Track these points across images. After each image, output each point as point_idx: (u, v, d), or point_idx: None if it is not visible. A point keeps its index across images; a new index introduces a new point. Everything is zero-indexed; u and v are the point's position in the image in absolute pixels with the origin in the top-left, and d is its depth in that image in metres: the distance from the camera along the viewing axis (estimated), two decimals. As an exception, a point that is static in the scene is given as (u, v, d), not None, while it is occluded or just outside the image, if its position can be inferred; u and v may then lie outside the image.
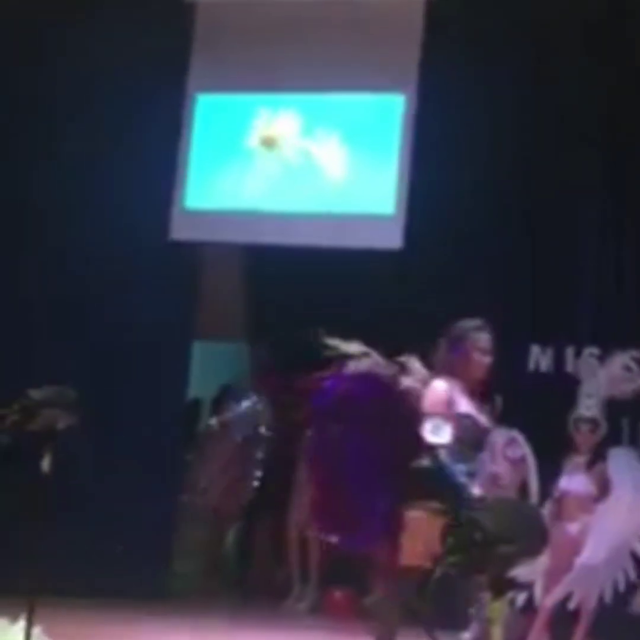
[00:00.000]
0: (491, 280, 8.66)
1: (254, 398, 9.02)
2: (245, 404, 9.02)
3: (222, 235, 9.38)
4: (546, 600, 7.41)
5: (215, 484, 8.54)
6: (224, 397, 9.59)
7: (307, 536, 8.49)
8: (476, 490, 7.88)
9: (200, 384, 9.82)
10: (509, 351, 8.29)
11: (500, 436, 8.18)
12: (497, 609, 3.82)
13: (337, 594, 8.60)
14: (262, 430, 8.66)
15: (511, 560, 3.87)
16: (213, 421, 9.31)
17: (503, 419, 8.03)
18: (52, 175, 8.83)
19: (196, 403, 9.95)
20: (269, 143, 9.30)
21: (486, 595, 3.87)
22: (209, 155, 9.37)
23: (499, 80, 8.57)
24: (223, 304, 10.22)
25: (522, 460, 8.14)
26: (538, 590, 7.27)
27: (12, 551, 5.52)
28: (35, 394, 5.33)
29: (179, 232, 9.24)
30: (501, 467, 8.13)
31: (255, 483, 8.38)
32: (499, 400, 8.04)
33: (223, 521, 8.91)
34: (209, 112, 9.43)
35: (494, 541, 3.75)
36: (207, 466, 8.64)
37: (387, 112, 9.04)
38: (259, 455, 8.62)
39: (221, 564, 8.97)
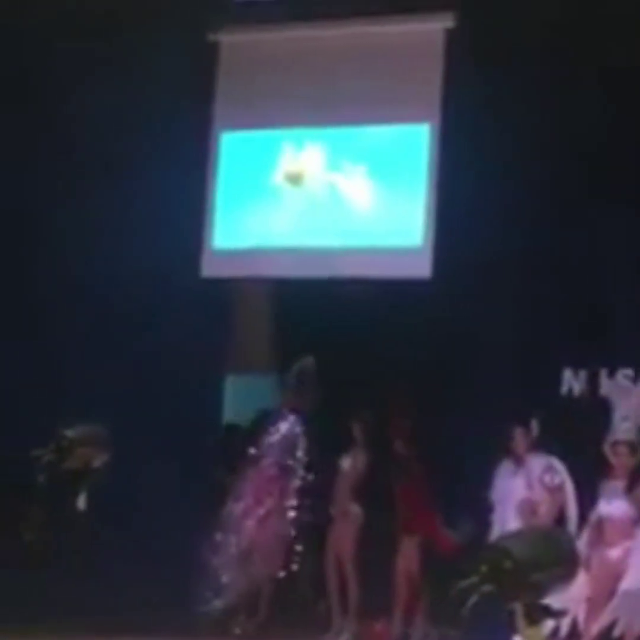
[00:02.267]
0: (521, 305, 8.66)
1: (292, 419, 8.84)
2: (284, 426, 8.82)
3: (252, 271, 9.46)
4: (591, 628, 7.32)
5: (250, 516, 8.51)
6: (261, 422, 9.50)
7: (345, 569, 8.48)
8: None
9: (235, 417, 9.85)
10: (541, 376, 8.31)
11: (537, 463, 8.12)
12: (532, 637, 3.80)
13: (377, 626, 8.57)
14: (300, 454, 8.58)
15: (543, 588, 3.86)
16: (251, 449, 9.18)
17: (539, 444, 8.03)
18: (86, 218, 8.94)
19: (232, 432, 9.91)
20: (294, 179, 9.37)
21: (521, 624, 3.86)
22: (236, 193, 9.46)
23: (523, 105, 8.59)
24: (254, 337, 10.28)
25: (560, 487, 8.06)
26: (581, 618, 7.22)
27: (48, 589, 5.56)
28: (70, 432, 5.38)
29: (210, 269, 9.32)
30: (538, 495, 8.07)
31: (291, 514, 8.36)
32: (534, 425, 8.01)
33: (258, 556, 8.87)
34: (234, 149, 9.52)
35: (525, 569, 3.75)
36: (242, 499, 8.60)
37: (412, 143, 9.09)
38: (296, 483, 8.56)
39: (259, 599, 8.93)
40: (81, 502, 5.16)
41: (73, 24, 8.64)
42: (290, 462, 8.37)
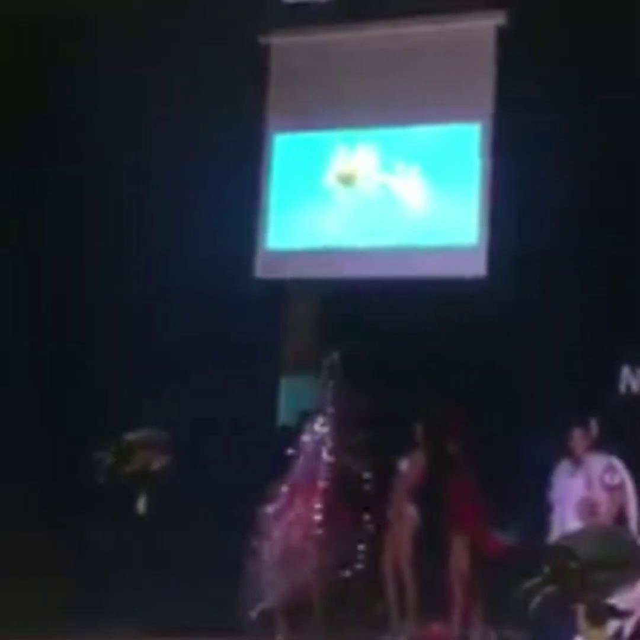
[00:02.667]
0: (578, 303, 8.59)
1: (321, 420, 8.84)
2: (316, 426, 8.82)
3: (306, 272, 9.47)
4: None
5: (289, 519, 8.50)
6: (302, 422, 9.50)
7: (402, 570, 8.46)
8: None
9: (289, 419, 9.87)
10: (599, 374, 8.23)
11: (597, 463, 8.04)
12: (596, 637, 3.77)
13: (435, 628, 8.55)
14: (325, 455, 8.49)
15: (608, 588, 3.83)
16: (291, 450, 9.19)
17: (598, 444, 7.95)
18: (142, 220, 9.01)
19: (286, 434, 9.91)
20: (347, 179, 9.37)
21: (585, 624, 3.83)
22: (289, 195, 9.49)
23: (576, 102, 8.52)
24: (307, 338, 10.30)
25: (620, 486, 7.99)
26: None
27: (111, 592, 5.61)
28: (130, 436, 5.43)
29: (264, 271, 9.35)
30: (598, 494, 7.99)
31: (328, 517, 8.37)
32: (593, 424, 7.94)
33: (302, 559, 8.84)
34: (287, 151, 9.55)
35: (590, 569, 3.72)
36: (283, 501, 8.58)
37: (465, 142, 9.05)
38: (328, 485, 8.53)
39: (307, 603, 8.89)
40: (141, 505, 5.19)
41: (131, 24, 8.70)
42: (319, 462, 8.35)
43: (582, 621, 3.84)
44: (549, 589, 3.77)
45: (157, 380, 8.67)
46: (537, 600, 3.78)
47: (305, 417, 8.76)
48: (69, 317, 8.87)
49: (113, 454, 5.34)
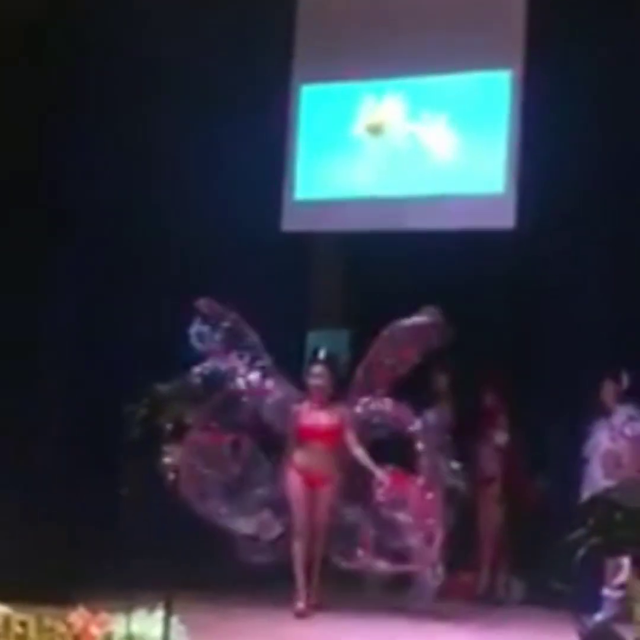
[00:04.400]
0: (609, 253, 8.50)
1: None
2: None
3: (333, 225, 9.40)
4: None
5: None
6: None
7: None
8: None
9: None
10: (631, 326, 8.16)
11: (620, 414, 8.03)
12: (641, 588, 3.75)
13: (463, 577, 8.60)
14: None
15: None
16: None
17: (628, 397, 7.92)
18: (167, 172, 8.95)
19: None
20: (375, 129, 9.28)
21: (629, 575, 3.81)
22: (316, 146, 9.39)
23: (608, 48, 8.37)
24: (334, 291, 10.25)
25: (640, 437, 7.97)
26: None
27: (147, 543, 5.61)
28: (163, 388, 5.42)
29: (290, 223, 9.29)
30: (621, 446, 7.98)
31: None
32: (624, 377, 7.90)
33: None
34: (314, 102, 9.45)
35: (636, 520, 3.69)
36: None
37: (494, 90, 8.92)
38: None
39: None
40: (175, 456, 5.19)
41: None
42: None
43: (627, 573, 3.82)
44: (595, 540, 3.74)
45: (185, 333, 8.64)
46: (581, 551, 3.76)
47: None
48: (97, 268, 8.84)
49: (145, 405, 5.32)
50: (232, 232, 8.92)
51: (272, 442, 7.98)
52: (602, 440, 8.07)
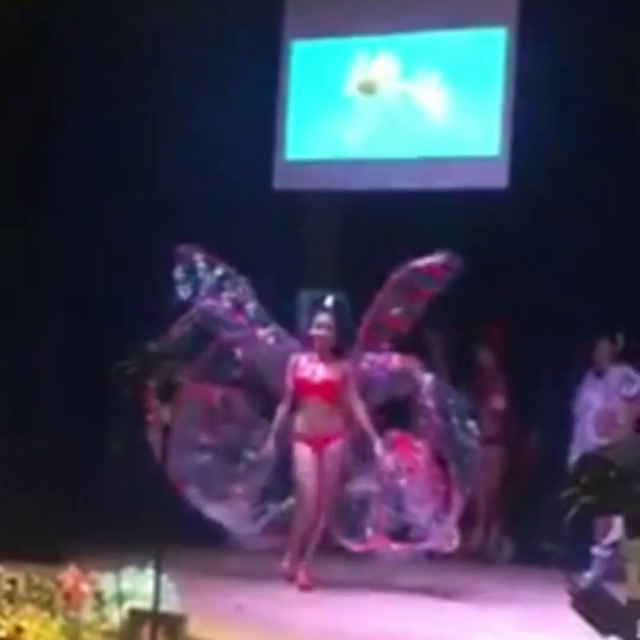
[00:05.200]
0: (603, 214, 8.45)
1: None
2: None
3: (325, 184, 9.33)
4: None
5: None
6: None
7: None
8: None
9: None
10: (626, 287, 8.14)
11: (615, 374, 8.05)
12: (635, 548, 3.73)
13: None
14: None
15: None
16: None
17: (622, 357, 7.91)
18: (158, 131, 8.86)
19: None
20: (368, 88, 9.19)
21: (622, 534, 3.79)
22: (308, 104, 9.31)
23: (604, 10, 8.27)
24: (326, 251, 10.19)
25: (637, 397, 8.00)
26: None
27: (138, 501, 5.59)
28: (153, 346, 5.37)
29: (282, 182, 9.22)
30: (616, 405, 8.00)
31: None
32: (620, 337, 7.90)
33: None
34: (305, 59, 9.35)
35: (629, 478, 3.66)
36: None
37: (488, 48, 8.83)
38: None
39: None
40: (165, 415, 5.15)
41: None
42: None
43: (620, 533, 3.81)
44: (587, 499, 3.71)
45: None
46: (573, 510, 3.73)
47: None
48: (86, 229, 8.78)
49: (136, 364, 5.28)
50: (225, 190, 8.86)
51: (268, 399, 7.38)
52: (594, 400, 8.09)
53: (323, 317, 7.23)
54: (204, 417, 7.25)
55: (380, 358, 7.31)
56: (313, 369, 7.17)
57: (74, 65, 8.84)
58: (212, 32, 8.85)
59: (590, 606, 3.69)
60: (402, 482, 7.04)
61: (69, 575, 5.25)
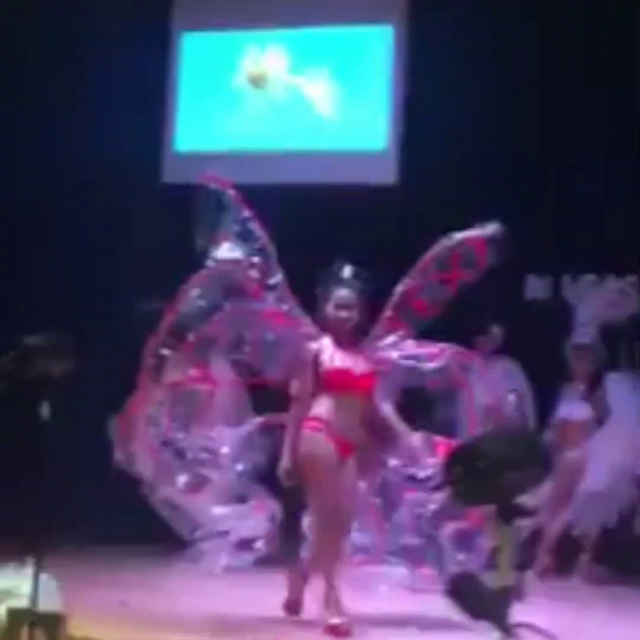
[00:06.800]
0: (486, 211, 8.56)
1: None
2: None
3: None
4: (551, 527, 7.48)
5: None
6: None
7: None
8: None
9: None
10: (505, 281, 8.28)
11: (495, 368, 8.17)
12: (505, 536, 3.81)
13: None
14: None
15: (518, 487, 3.86)
16: None
17: (502, 349, 8.04)
18: (47, 121, 8.73)
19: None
20: (257, 81, 9.20)
21: (493, 523, 3.87)
22: (198, 96, 9.28)
23: (491, 6, 8.41)
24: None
25: (517, 390, 8.14)
26: (542, 518, 7.31)
27: (16, 497, 5.51)
28: (30, 340, 5.27)
29: (171, 175, 9.16)
30: (495, 399, 8.11)
31: None
32: (497, 330, 8.01)
33: None
34: (196, 51, 9.31)
35: (500, 468, 3.74)
36: None
37: (377, 44, 8.92)
38: None
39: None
40: (44, 411, 5.07)
41: None
42: None
43: (491, 520, 3.88)
44: (459, 488, 3.78)
45: (58, 285, 8.49)
46: (446, 500, 3.80)
47: None
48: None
49: (12, 359, 5.19)
50: (113, 183, 8.76)
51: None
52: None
53: (345, 293, 5.59)
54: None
55: (427, 349, 5.85)
56: (344, 360, 5.52)
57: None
58: (101, 21, 8.76)
59: (460, 592, 3.76)
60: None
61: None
